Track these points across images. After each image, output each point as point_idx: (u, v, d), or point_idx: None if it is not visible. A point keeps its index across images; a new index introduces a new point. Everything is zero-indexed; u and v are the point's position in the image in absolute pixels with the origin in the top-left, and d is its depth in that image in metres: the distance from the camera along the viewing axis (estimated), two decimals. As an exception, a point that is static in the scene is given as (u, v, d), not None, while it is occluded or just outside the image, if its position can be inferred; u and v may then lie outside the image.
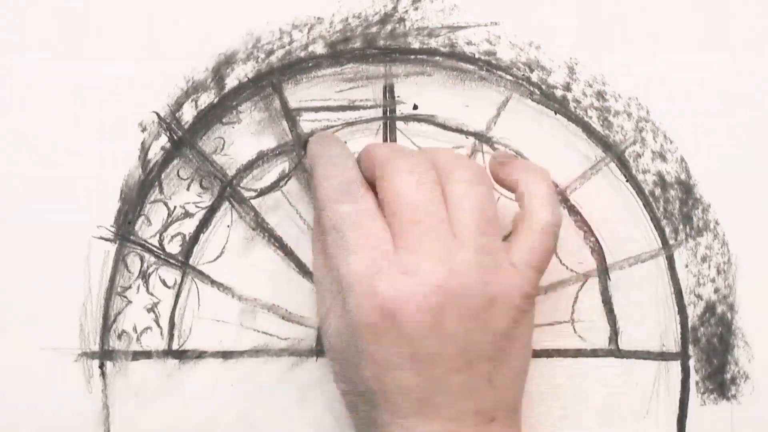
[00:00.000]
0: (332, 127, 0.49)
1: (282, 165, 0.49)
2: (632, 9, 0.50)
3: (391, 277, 0.41)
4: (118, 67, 0.49)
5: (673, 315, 0.50)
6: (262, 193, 0.49)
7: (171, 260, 0.49)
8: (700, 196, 0.50)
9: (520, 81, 0.50)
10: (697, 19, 0.50)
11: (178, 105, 0.49)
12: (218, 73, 0.49)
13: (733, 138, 0.50)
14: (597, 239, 0.50)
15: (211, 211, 0.49)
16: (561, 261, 0.49)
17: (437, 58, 0.49)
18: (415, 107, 0.49)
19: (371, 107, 0.49)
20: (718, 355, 0.50)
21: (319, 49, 0.49)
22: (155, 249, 0.49)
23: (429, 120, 0.50)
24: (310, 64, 0.49)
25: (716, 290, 0.50)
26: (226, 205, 0.49)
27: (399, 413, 0.42)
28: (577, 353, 0.49)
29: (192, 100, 0.49)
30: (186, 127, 0.49)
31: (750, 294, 0.49)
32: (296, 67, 0.49)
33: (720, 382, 0.49)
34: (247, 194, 0.49)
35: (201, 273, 0.49)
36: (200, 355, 0.49)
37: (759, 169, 0.50)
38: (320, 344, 0.48)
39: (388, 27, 0.49)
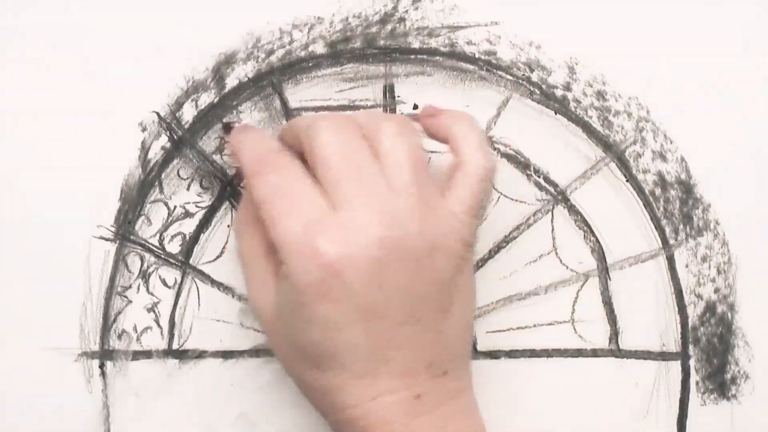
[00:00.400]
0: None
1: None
2: (632, 9, 0.50)
3: (331, 235, 0.40)
4: (118, 67, 0.49)
5: (674, 315, 0.49)
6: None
7: (171, 260, 0.49)
8: (700, 196, 0.50)
9: (521, 81, 0.50)
10: (697, 19, 0.50)
11: (179, 105, 0.49)
12: (218, 73, 0.49)
13: (733, 138, 0.50)
14: (597, 239, 0.49)
15: (212, 210, 0.49)
16: (561, 261, 0.49)
17: (437, 57, 0.49)
18: (415, 107, 0.49)
19: (371, 107, 0.49)
20: (718, 355, 0.50)
21: (319, 48, 0.49)
22: (155, 249, 0.49)
23: (429, 120, 0.50)
24: (310, 64, 0.49)
25: (716, 290, 0.50)
26: (226, 204, 0.49)
27: (352, 373, 0.41)
28: (577, 353, 0.49)
29: (192, 100, 0.49)
30: (186, 126, 0.49)
31: (750, 294, 0.49)
32: (296, 66, 0.49)
33: (720, 382, 0.49)
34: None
35: (201, 273, 0.49)
36: (200, 355, 0.49)
37: (759, 169, 0.50)
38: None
39: (389, 27, 0.49)
